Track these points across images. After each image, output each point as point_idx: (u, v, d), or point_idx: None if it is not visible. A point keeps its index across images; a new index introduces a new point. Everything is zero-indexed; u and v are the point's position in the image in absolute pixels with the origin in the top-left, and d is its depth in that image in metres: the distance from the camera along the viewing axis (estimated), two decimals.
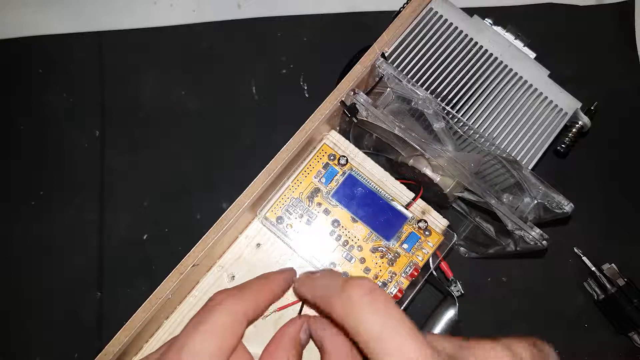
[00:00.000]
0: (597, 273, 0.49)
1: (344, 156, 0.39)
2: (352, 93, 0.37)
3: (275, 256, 0.39)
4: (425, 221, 0.39)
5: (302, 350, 0.32)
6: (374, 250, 0.38)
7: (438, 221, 0.40)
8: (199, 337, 0.27)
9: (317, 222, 0.38)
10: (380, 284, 0.38)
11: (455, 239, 0.39)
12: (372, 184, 0.39)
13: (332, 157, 0.39)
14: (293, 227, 0.38)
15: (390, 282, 0.38)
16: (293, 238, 0.38)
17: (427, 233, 0.39)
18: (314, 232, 0.38)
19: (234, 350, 0.28)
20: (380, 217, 0.38)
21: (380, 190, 0.39)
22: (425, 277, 0.39)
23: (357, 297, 0.25)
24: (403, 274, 0.38)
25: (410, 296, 0.38)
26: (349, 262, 0.38)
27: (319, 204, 0.39)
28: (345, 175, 0.39)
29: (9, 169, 0.53)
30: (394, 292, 0.37)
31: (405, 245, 0.38)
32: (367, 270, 0.38)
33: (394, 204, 0.39)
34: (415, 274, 0.38)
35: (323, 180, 0.39)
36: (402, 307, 0.37)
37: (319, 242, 0.38)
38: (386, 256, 0.38)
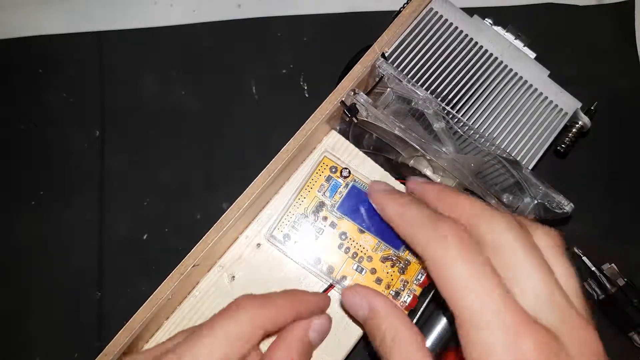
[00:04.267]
0: (597, 273, 0.49)
1: (346, 168, 0.39)
2: (352, 93, 0.37)
3: (277, 256, 0.39)
4: None
5: (311, 351, 0.31)
6: (384, 259, 0.38)
7: None
8: (211, 338, 0.27)
9: (324, 236, 0.38)
10: (393, 293, 0.37)
11: None
12: None
13: (334, 170, 0.39)
14: (301, 243, 0.38)
15: (403, 290, 0.38)
16: (302, 254, 0.38)
17: None
18: (323, 246, 0.38)
19: (245, 357, 0.28)
20: (387, 226, 0.38)
21: None
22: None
23: (452, 236, 0.25)
24: (415, 282, 0.38)
25: (425, 302, 0.38)
26: (360, 273, 0.38)
27: (325, 218, 0.38)
28: (349, 187, 0.39)
29: (9, 169, 0.53)
30: (408, 301, 0.37)
31: None
32: (378, 280, 0.38)
33: None
34: (428, 280, 0.38)
35: (327, 193, 0.39)
36: (418, 315, 0.37)
37: (328, 256, 0.38)
38: (397, 265, 0.38)
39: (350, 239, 0.38)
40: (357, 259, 0.38)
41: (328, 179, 0.39)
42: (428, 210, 0.29)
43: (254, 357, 0.30)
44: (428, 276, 0.38)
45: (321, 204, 0.39)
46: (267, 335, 0.29)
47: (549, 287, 0.25)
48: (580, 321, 0.25)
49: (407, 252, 0.38)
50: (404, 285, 0.38)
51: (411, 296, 0.37)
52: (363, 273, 0.38)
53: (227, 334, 0.27)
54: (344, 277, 0.38)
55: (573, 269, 0.27)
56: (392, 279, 0.38)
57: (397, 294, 0.37)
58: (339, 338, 0.38)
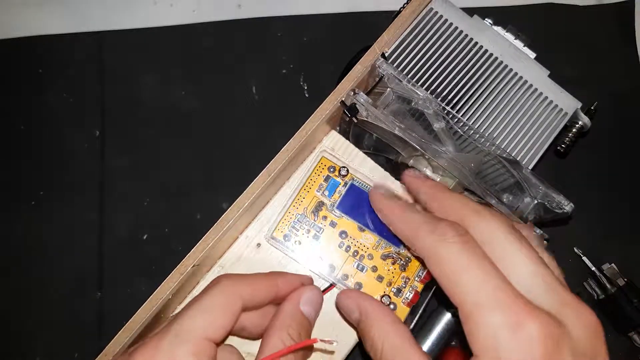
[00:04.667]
0: (597, 273, 0.49)
1: (344, 167, 0.39)
2: (352, 93, 0.37)
3: (276, 256, 0.39)
4: None
5: (308, 324, 0.31)
6: (385, 257, 0.38)
7: None
8: (189, 314, 0.27)
9: (324, 235, 0.38)
10: (394, 290, 0.37)
11: None
12: None
13: (332, 169, 0.39)
14: (301, 243, 0.38)
15: (405, 287, 0.38)
16: (303, 255, 0.38)
17: None
18: (323, 245, 0.38)
19: (229, 330, 0.28)
20: None
21: None
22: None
23: (450, 236, 0.26)
24: (417, 278, 0.38)
25: (427, 299, 0.38)
26: (362, 272, 0.38)
27: (325, 217, 0.38)
28: (348, 185, 0.39)
29: (9, 169, 0.53)
30: (409, 297, 0.37)
31: None
32: (380, 278, 0.38)
33: None
34: (429, 276, 0.38)
35: (326, 193, 0.39)
36: (420, 311, 0.37)
37: (329, 255, 0.38)
38: (397, 262, 0.38)
39: (350, 237, 0.38)
40: (357, 257, 0.38)
41: (326, 178, 0.39)
42: (425, 213, 0.31)
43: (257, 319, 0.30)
44: (429, 273, 0.38)
45: (320, 204, 0.39)
46: (248, 309, 0.30)
47: (543, 274, 0.26)
48: (578, 302, 0.25)
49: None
50: (405, 282, 0.38)
51: (413, 293, 0.37)
52: (364, 271, 0.38)
53: (205, 306, 0.28)
54: (345, 276, 0.38)
55: (553, 257, 0.29)
56: (394, 276, 0.38)
57: (399, 291, 0.37)
58: (339, 338, 0.38)
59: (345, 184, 0.39)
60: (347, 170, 0.39)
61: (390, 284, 0.37)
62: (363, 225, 0.38)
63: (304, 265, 0.38)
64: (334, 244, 0.38)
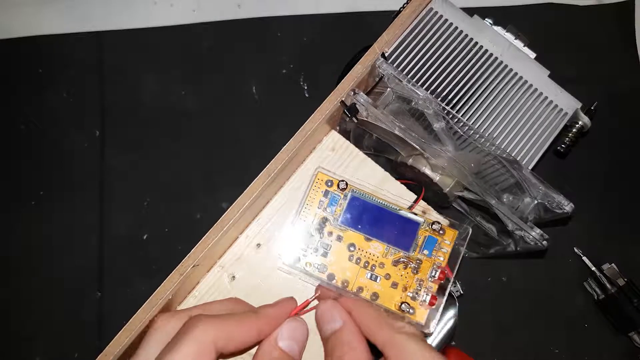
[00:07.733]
0: (597, 273, 0.49)
1: (343, 180, 0.38)
2: (352, 93, 0.37)
3: (276, 256, 0.39)
4: (439, 222, 0.38)
5: (289, 358, 0.31)
6: (396, 263, 0.37)
7: (438, 221, 0.39)
8: None
9: (333, 251, 0.38)
10: (410, 295, 0.37)
11: (470, 231, 0.38)
12: (376, 198, 0.38)
13: (329, 184, 0.38)
14: (312, 264, 0.38)
15: (420, 289, 0.37)
16: (315, 274, 0.37)
17: (441, 232, 0.38)
18: (333, 261, 0.37)
19: None
20: (393, 229, 0.38)
21: (385, 203, 0.38)
22: (453, 275, 0.38)
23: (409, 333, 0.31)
24: (430, 279, 0.37)
25: (445, 298, 0.37)
26: (376, 281, 0.37)
27: (330, 233, 0.38)
28: (348, 197, 0.38)
29: (9, 169, 0.53)
30: (427, 300, 0.37)
31: (425, 251, 0.38)
32: (394, 285, 0.37)
33: (402, 212, 0.38)
34: (442, 276, 0.37)
35: (328, 209, 0.38)
36: (439, 312, 0.37)
37: (341, 271, 0.37)
38: (409, 266, 0.37)
39: (359, 249, 0.38)
40: (369, 267, 0.37)
41: (325, 193, 0.38)
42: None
43: None
44: (442, 271, 0.37)
45: (324, 220, 0.38)
46: (226, 356, 0.29)
47: None
48: None
49: (417, 251, 0.38)
50: (419, 284, 0.37)
51: (429, 295, 0.37)
52: (378, 280, 0.37)
53: (179, 355, 0.27)
54: (360, 289, 0.37)
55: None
56: (408, 281, 0.37)
57: (416, 294, 0.37)
58: None
59: (346, 196, 0.38)
60: (346, 183, 0.38)
61: (406, 289, 0.37)
62: (369, 235, 0.38)
63: (322, 284, 0.38)
64: (343, 258, 0.37)
